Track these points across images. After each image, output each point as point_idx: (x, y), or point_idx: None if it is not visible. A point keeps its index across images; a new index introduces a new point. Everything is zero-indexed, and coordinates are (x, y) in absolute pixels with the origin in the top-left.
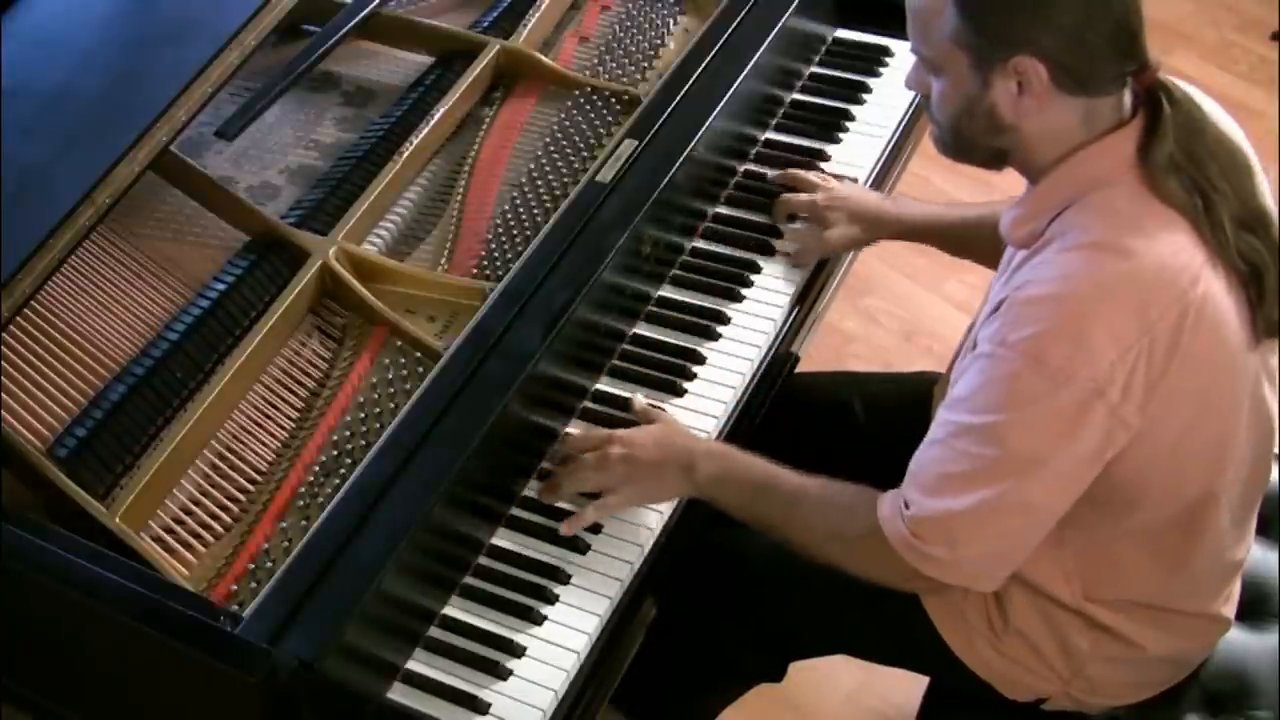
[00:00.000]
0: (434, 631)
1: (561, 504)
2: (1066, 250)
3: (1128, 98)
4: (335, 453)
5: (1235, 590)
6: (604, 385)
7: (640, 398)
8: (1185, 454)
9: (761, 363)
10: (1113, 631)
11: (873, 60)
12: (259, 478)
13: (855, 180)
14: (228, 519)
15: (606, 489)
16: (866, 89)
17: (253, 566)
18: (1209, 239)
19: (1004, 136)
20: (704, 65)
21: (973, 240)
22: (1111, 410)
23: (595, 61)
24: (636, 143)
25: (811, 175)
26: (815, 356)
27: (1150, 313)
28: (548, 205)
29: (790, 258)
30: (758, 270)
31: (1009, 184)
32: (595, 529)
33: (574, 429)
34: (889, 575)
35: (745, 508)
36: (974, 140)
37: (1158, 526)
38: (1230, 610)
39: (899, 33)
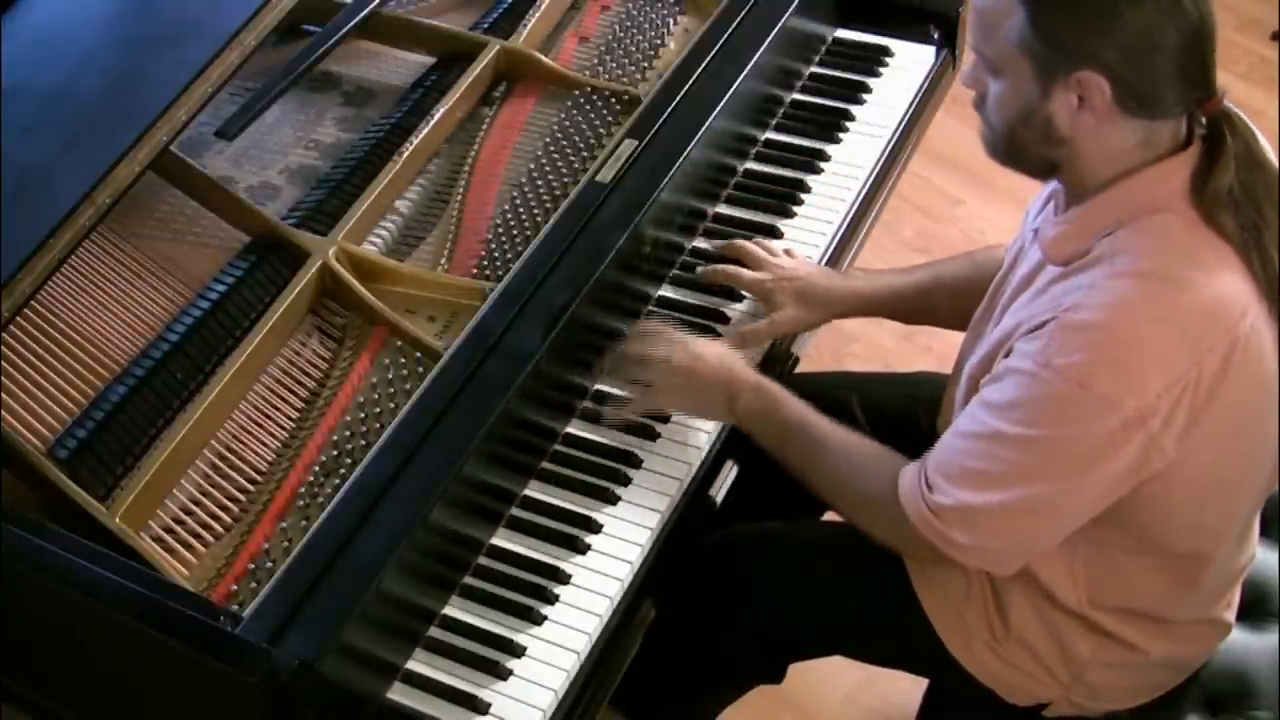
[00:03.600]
0: (434, 631)
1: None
2: (1119, 275)
3: (1184, 122)
4: (335, 453)
5: (1236, 594)
6: (604, 385)
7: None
8: (1211, 483)
9: (761, 362)
10: (1115, 637)
11: (873, 60)
12: (259, 478)
13: (811, 258)
14: (228, 519)
15: (659, 388)
16: (866, 89)
17: (253, 566)
18: (1258, 273)
19: (1058, 149)
20: (704, 65)
21: (926, 308)
22: (1151, 438)
23: (595, 61)
24: (636, 143)
25: (759, 250)
26: (815, 356)
27: (1201, 345)
28: (548, 205)
29: (734, 339)
30: None
31: (1009, 183)
32: (595, 528)
33: (574, 429)
34: (894, 540)
35: (776, 445)
36: (1027, 148)
37: (1172, 547)
38: (1231, 614)
39: (899, 33)
